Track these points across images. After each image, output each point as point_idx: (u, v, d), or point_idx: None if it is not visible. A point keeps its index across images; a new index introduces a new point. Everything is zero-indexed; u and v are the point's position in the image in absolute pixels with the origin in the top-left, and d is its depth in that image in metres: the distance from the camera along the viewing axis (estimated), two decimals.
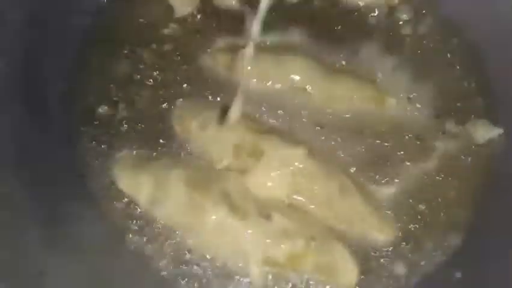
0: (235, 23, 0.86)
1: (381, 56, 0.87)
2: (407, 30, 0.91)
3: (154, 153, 0.76)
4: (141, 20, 0.85)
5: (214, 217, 0.70)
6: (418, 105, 0.84)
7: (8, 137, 0.67)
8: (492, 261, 0.71)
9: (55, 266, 0.61)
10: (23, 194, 0.65)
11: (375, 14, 0.91)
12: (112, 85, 0.80)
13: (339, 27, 0.89)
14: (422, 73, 0.86)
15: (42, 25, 0.75)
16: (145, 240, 0.72)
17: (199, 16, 0.88)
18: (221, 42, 0.85)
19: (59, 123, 0.76)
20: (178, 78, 0.81)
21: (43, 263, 0.60)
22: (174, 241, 0.71)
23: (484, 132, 0.82)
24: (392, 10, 0.92)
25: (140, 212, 0.73)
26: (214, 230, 0.70)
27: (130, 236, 0.72)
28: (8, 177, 0.65)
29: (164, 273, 0.70)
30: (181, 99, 0.80)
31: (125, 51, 0.82)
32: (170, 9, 0.87)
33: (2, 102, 0.67)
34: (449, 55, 0.89)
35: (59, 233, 0.66)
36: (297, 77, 0.82)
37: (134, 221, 0.72)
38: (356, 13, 0.91)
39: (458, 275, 0.71)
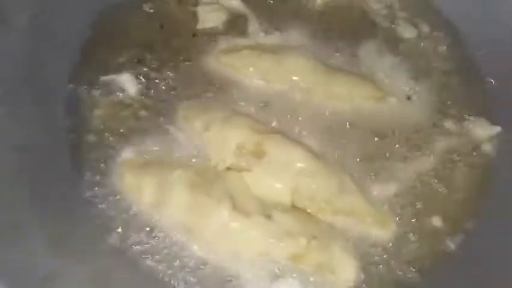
0: (238, 24, 0.88)
1: (381, 55, 0.89)
2: (407, 32, 0.92)
3: (157, 155, 0.77)
4: (146, 21, 0.86)
5: (217, 217, 0.71)
6: (417, 104, 0.85)
7: (12, 140, 0.68)
8: (493, 260, 0.73)
9: (61, 269, 0.62)
10: (25, 195, 0.66)
11: (376, 14, 0.93)
12: (115, 86, 0.81)
13: (339, 26, 0.91)
14: (421, 73, 0.88)
15: (45, 27, 0.76)
16: (147, 246, 0.72)
17: None
18: (224, 43, 0.86)
19: (64, 124, 0.77)
20: (182, 79, 0.82)
21: (49, 266, 0.61)
22: (176, 246, 0.72)
23: (483, 131, 0.83)
24: (392, 11, 0.93)
25: (141, 217, 0.73)
26: (217, 230, 0.71)
27: (131, 241, 0.72)
28: (8, 179, 0.66)
29: (164, 277, 0.70)
30: (185, 100, 0.81)
31: (130, 53, 0.83)
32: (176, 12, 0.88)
33: (8, 106, 0.68)
34: (447, 56, 0.91)
35: (62, 235, 0.67)
36: (297, 77, 0.83)
37: (135, 226, 0.73)
38: (356, 13, 0.93)
39: (456, 273, 0.73)
